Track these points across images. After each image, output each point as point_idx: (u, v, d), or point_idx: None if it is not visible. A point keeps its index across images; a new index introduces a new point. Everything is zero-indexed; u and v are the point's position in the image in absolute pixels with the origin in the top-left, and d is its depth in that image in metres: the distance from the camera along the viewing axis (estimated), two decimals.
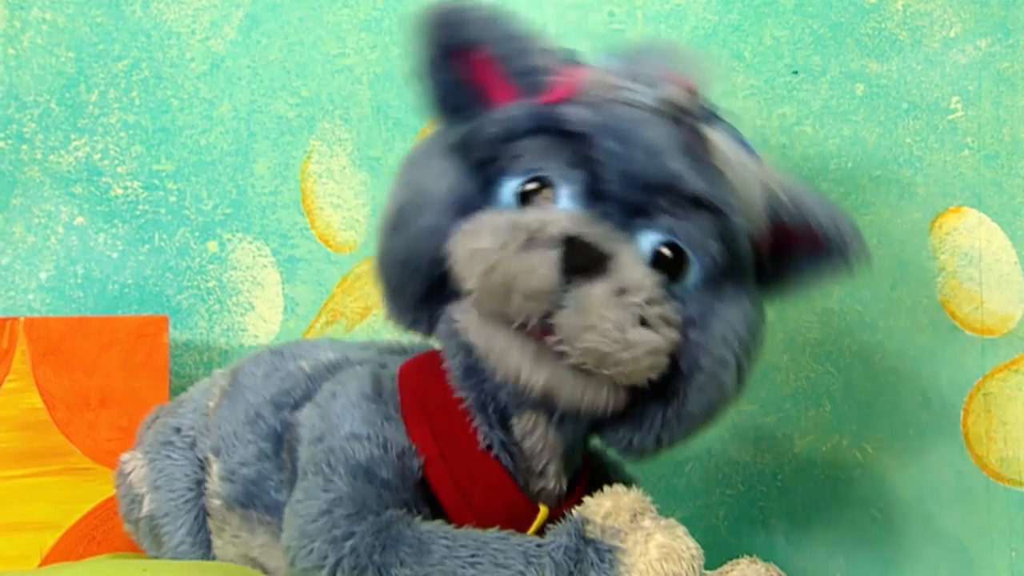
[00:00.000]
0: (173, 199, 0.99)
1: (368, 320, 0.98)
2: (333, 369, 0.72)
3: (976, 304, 0.91)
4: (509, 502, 0.63)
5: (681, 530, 0.58)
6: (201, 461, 0.74)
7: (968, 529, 0.91)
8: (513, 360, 0.59)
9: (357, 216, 0.98)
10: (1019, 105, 0.90)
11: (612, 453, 0.74)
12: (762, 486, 0.94)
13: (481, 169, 0.62)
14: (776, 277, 0.66)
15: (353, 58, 0.97)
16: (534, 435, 0.63)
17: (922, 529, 0.91)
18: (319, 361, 0.73)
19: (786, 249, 0.64)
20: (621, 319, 0.56)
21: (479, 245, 0.58)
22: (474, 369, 0.63)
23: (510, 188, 0.61)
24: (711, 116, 0.63)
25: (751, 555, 0.65)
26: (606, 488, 0.61)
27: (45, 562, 0.85)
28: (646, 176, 0.59)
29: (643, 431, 0.63)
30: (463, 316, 0.62)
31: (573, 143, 0.60)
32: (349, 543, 0.59)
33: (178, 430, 0.76)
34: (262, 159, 0.98)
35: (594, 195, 0.60)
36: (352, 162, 0.98)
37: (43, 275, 0.98)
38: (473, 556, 0.58)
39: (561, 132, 0.60)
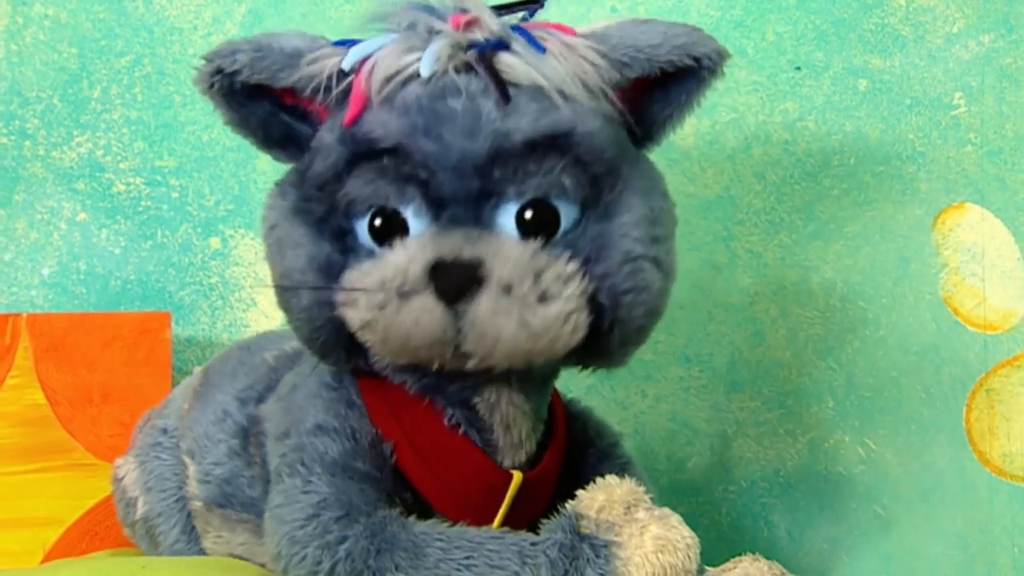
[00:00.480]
0: (176, 195, 0.99)
1: None
2: (295, 358, 0.71)
3: (979, 300, 0.90)
4: (483, 475, 0.62)
5: (675, 519, 0.57)
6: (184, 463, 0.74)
7: (971, 525, 0.91)
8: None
9: None
10: (1022, 101, 0.90)
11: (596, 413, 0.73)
12: (764, 482, 0.94)
13: (326, 223, 0.60)
14: (652, 127, 0.62)
15: None
16: (501, 406, 0.62)
17: (925, 525, 0.91)
18: (283, 351, 0.73)
19: (649, 96, 0.61)
20: (518, 315, 0.54)
21: (360, 316, 0.57)
22: (422, 372, 0.61)
23: (362, 231, 0.59)
24: (501, 36, 0.59)
25: (753, 552, 0.64)
26: (598, 480, 0.60)
27: (48, 558, 0.85)
28: (472, 159, 0.56)
29: (607, 354, 0.61)
30: None
31: (394, 159, 0.57)
32: (343, 547, 0.58)
33: (164, 431, 0.76)
34: (264, 155, 0.98)
35: (435, 203, 0.57)
36: None
37: (45, 271, 0.98)
38: (468, 558, 0.57)
39: (378, 152, 0.57)
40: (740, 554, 0.64)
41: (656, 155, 0.64)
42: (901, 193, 0.92)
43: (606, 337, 0.59)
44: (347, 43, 0.60)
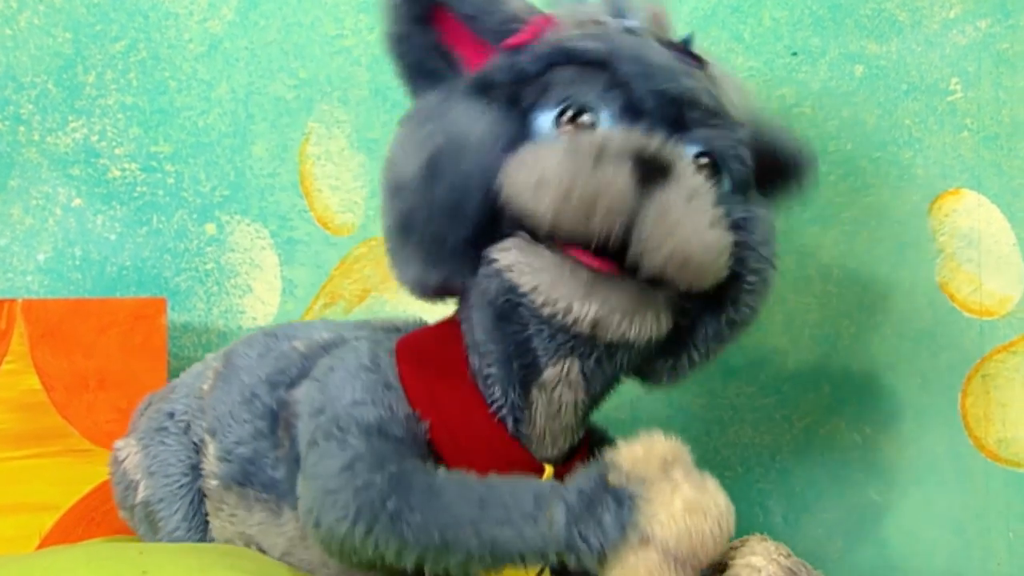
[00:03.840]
0: (171, 181, 0.98)
1: (366, 302, 0.98)
2: (328, 348, 0.71)
3: (975, 286, 0.91)
4: (515, 465, 0.63)
5: (712, 484, 0.57)
6: (196, 445, 0.73)
7: (966, 510, 0.91)
8: (565, 290, 0.59)
9: (355, 198, 0.97)
10: (1018, 86, 0.90)
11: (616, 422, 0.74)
12: (760, 468, 0.94)
13: (508, 109, 0.62)
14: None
15: (351, 39, 0.97)
16: (563, 384, 0.63)
17: (920, 510, 0.92)
18: (313, 340, 0.73)
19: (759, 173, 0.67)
20: (698, 222, 0.57)
21: (547, 173, 0.57)
22: (508, 317, 0.62)
23: (546, 120, 0.61)
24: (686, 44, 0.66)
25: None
26: (643, 434, 0.59)
27: (44, 543, 0.85)
28: (674, 92, 0.61)
29: (690, 348, 0.65)
30: (505, 255, 0.61)
31: (596, 71, 0.61)
32: (367, 492, 0.58)
33: (171, 415, 0.76)
34: (260, 141, 0.98)
35: (632, 114, 0.61)
36: (350, 144, 0.98)
37: (41, 257, 0.98)
38: (482, 499, 0.57)
39: (579, 63, 0.61)
40: (737, 539, 0.64)
41: None
42: (898, 179, 0.92)
43: (713, 316, 0.63)
44: None
